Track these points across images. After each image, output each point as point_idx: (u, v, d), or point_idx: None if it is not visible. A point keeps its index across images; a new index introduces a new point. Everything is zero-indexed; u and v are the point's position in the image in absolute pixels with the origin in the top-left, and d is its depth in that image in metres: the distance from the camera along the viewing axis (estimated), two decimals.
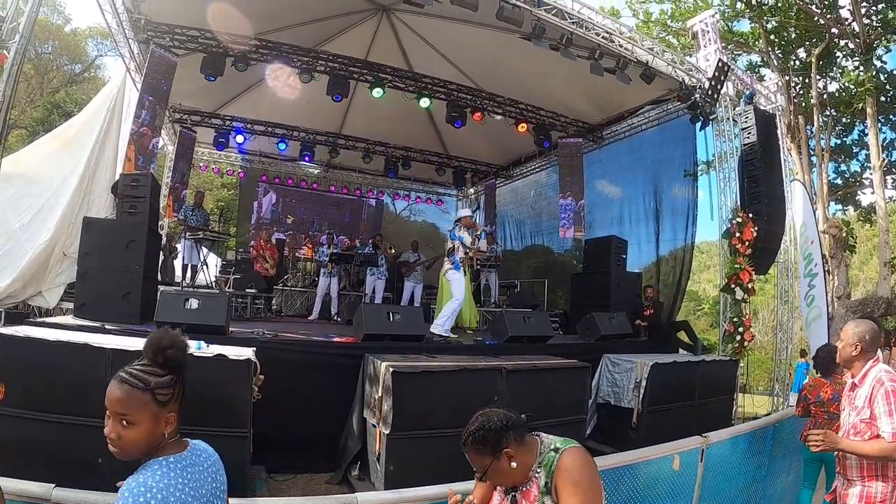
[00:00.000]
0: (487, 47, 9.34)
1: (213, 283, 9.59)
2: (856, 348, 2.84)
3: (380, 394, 4.26)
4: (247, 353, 4.06)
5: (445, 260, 7.35)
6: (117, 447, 1.39)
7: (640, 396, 5.94)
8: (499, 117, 10.48)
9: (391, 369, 4.16)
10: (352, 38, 9.82)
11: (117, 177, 8.03)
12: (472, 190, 16.12)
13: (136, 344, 4.00)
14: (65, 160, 7.61)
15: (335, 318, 9.83)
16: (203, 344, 4.19)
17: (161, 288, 6.97)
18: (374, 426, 4.38)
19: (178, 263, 10.10)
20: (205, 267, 9.17)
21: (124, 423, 1.38)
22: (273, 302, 10.77)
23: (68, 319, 5.39)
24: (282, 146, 12.32)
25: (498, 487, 2.00)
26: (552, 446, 1.88)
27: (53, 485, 2.20)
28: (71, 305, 7.61)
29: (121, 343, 3.92)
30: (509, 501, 1.94)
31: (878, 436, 2.59)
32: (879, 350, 3.06)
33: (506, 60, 9.55)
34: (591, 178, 11.47)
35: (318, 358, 5.35)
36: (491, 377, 4.58)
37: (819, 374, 4.41)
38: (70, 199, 7.19)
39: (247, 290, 9.36)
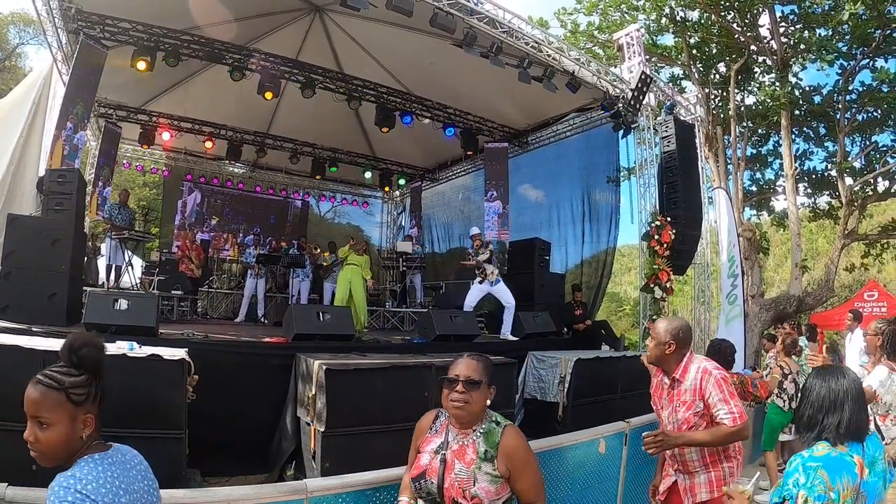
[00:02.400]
0: (418, 52, 9.43)
1: (138, 285, 9.29)
2: (669, 346, 2.81)
3: (313, 392, 4.29)
4: (180, 353, 4.00)
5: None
6: (36, 451, 1.39)
7: (565, 391, 6.16)
8: (427, 121, 10.61)
9: (324, 367, 4.19)
10: (283, 36, 9.73)
11: (41, 173, 7.72)
12: (397, 192, 16.15)
13: None
14: None
15: (262, 319, 9.73)
16: (135, 345, 4.12)
17: (86, 289, 6.73)
18: (309, 424, 4.41)
19: (101, 264, 9.72)
20: (130, 268, 8.88)
21: (41, 424, 1.38)
22: (199, 304, 10.53)
23: None
24: (208, 144, 12.03)
25: (426, 448, 2.13)
26: (493, 418, 2.07)
27: (6, 483, 2.19)
28: None
29: (51, 345, 3.76)
30: (439, 460, 2.04)
31: (717, 423, 2.64)
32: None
33: (436, 65, 9.67)
34: (516, 183, 11.72)
35: (250, 359, 5.35)
36: (421, 374, 4.66)
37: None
38: None
39: (173, 292, 9.14)
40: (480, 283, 7.97)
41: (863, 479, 1.86)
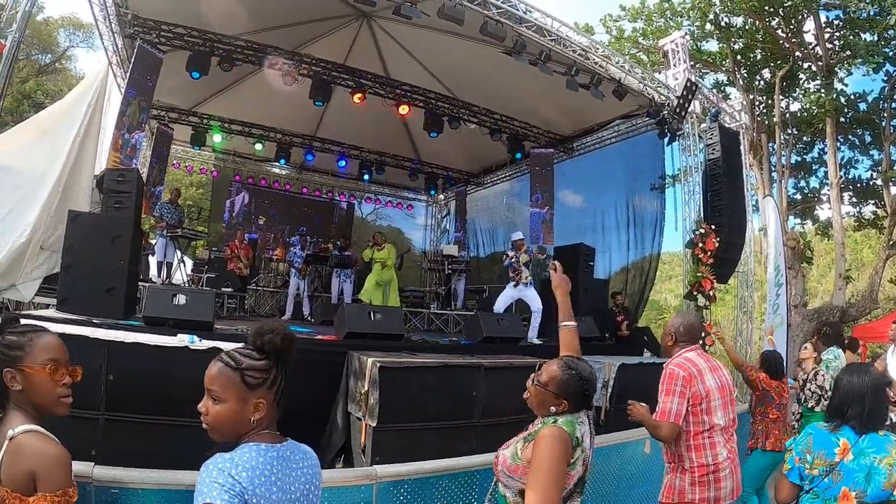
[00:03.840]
0: (464, 58, 9.57)
1: (189, 282, 9.62)
2: (671, 338, 3.15)
3: (366, 388, 4.41)
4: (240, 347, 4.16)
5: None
6: (206, 423, 1.44)
7: (608, 395, 6.21)
8: (473, 126, 10.74)
9: (378, 364, 4.31)
10: (332, 42, 9.96)
11: (97, 171, 8.07)
12: (441, 196, 16.35)
13: (129, 337, 4.11)
14: (42, 152, 7.56)
15: (308, 318, 9.94)
16: (196, 338, 4.29)
17: (141, 284, 7.04)
18: (360, 419, 4.52)
19: (151, 260, 10.09)
20: (182, 265, 9.20)
21: (213, 398, 1.43)
22: (246, 301, 10.83)
23: (52, 313, 5.40)
24: (259, 147, 12.38)
25: None
26: (556, 418, 2.13)
27: (93, 463, 2.32)
28: (44, 300, 7.62)
29: (113, 336, 3.99)
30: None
31: None
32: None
33: (481, 71, 9.79)
34: (560, 188, 11.79)
35: (303, 355, 5.40)
36: (470, 374, 4.78)
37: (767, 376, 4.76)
38: (49, 193, 7.17)
39: (223, 289, 9.43)
40: (515, 286, 8.11)
41: (841, 460, 2.26)
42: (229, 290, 9.55)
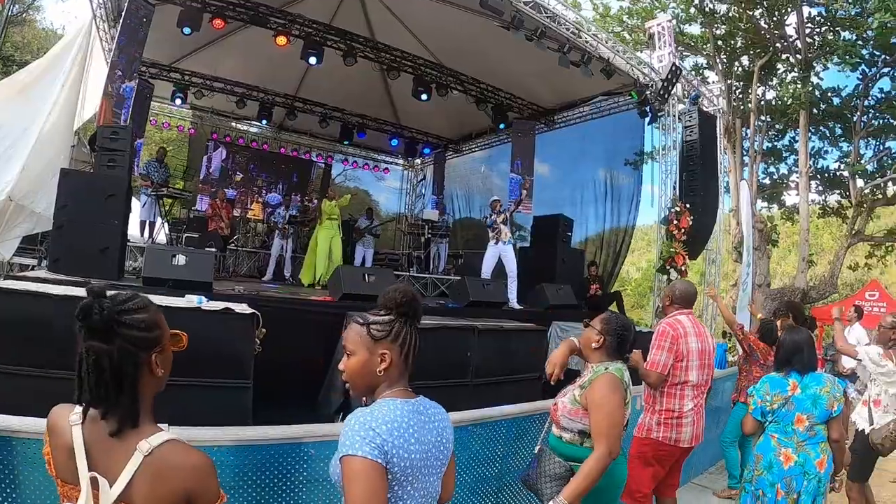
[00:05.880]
0: (453, 26, 9.58)
1: (174, 241, 9.59)
2: (668, 299, 3.68)
3: None
4: (246, 307, 4.21)
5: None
6: (345, 378, 1.55)
7: None
8: (457, 93, 10.82)
9: None
10: (318, 1, 9.75)
11: (76, 127, 7.93)
12: (418, 161, 16.39)
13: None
14: (22, 109, 7.33)
15: (290, 279, 10.00)
16: (203, 299, 4.35)
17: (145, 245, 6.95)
18: None
19: (133, 219, 9.97)
20: (165, 224, 9.15)
21: (348, 354, 1.54)
22: (226, 262, 10.83)
23: (46, 274, 5.28)
24: (240, 106, 12.25)
25: None
26: (607, 365, 2.52)
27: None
28: (22, 261, 7.52)
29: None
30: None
31: None
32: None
33: (469, 41, 9.82)
34: (541, 159, 11.93)
35: (299, 315, 5.57)
36: (465, 335, 4.99)
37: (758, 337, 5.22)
38: (30, 150, 6.96)
39: (206, 249, 9.43)
40: (495, 244, 8.41)
41: (793, 395, 3.14)
42: (213, 250, 9.56)
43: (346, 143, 14.13)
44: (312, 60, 9.27)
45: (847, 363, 8.76)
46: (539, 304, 8.03)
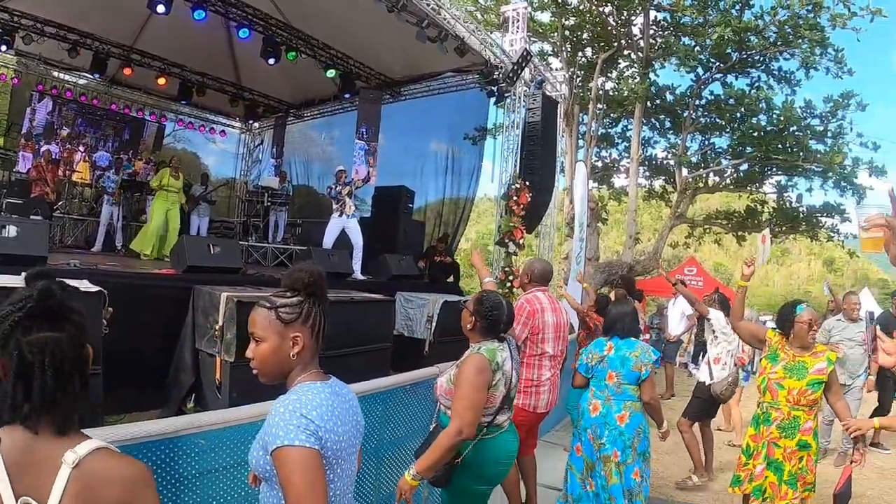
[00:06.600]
0: None
1: None
2: (527, 277, 4.01)
3: (220, 323, 4.36)
4: (88, 284, 3.84)
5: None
6: (254, 366, 1.49)
7: (432, 329, 6.79)
8: (305, 57, 10.52)
9: (235, 300, 4.30)
10: None
11: None
12: (257, 124, 15.77)
13: None
14: None
15: (121, 250, 9.27)
16: None
17: None
18: (213, 356, 4.46)
19: None
20: None
21: (256, 340, 1.48)
22: (52, 230, 9.75)
23: None
24: (72, 55, 10.96)
25: None
26: (483, 345, 2.58)
27: None
28: None
29: None
30: None
31: None
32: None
33: (324, 4, 9.51)
34: (385, 130, 11.84)
35: (141, 291, 5.18)
36: None
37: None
38: None
39: (32, 217, 8.43)
40: (339, 216, 8.36)
41: (607, 355, 3.64)
42: (39, 218, 8.54)
43: (183, 101, 13.20)
44: (160, 9, 8.45)
45: (673, 331, 10.03)
46: (382, 274, 8.18)
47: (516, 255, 9.51)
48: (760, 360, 3.60)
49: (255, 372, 1.48)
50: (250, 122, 15.50)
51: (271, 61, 9.97)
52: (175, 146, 15.55)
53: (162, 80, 12.20)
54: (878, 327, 1.89)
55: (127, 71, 11.85)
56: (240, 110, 14.34)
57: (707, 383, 5.08)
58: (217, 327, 4.41)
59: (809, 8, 11.62)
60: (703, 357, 5.55)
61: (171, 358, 5.04)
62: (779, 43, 12.48)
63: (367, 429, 2.79)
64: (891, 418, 3.34)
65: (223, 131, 15.51)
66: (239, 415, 2.23)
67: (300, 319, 1.47)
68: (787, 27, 12.11)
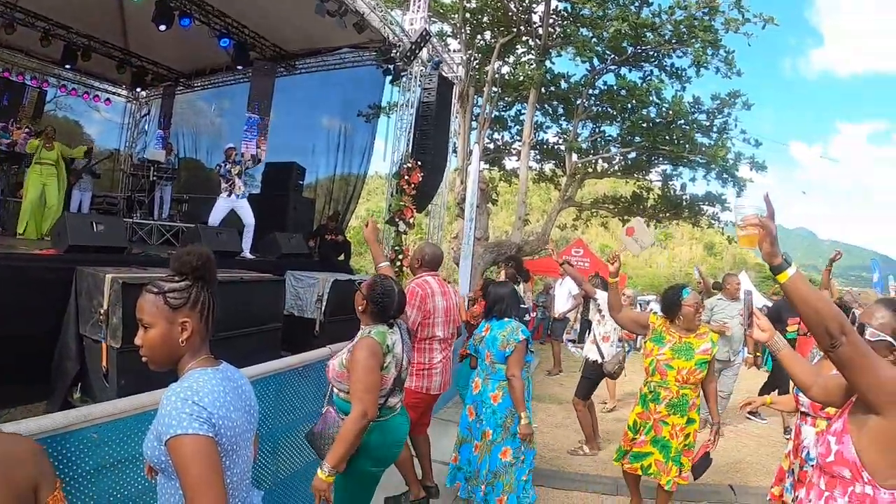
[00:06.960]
0: None
1: None
2: (418, 262, 4.05)
3: (105, 307, 4.17)
4: None
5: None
6: (143, 353, 1.45)
7: (322, 308, 6.83)
8: (198, 24, 10.05)
9: (120, 281, 4.11)
10: None
11: None
12: (144, 93, 14.97)
13: None
14: None
15: None
16: None
17: None
18: (99, 341, 4.27)
19: None
20: None
21: (144, 327, 1.44)
22: None
23: None
24: None
25: None
26: (373, 328, 2.66)
27: None
28: None
29: None
30: None
31: None
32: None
33: None
34: (277, 103, 11.72)
35: (20, 273, 4.87)
36: None
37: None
38: None
39: None
40: (228, 196, 8.18)
41: (485, 335, 3.83)
42: None
43: (67, 66, 12.30)
44: None
45: (559, 308, 10.63)
46: (272, 253, 8.13)
47: (406, 234, 9.74)
48: (644, 342, 3.85)
49: (144, 359, 1.47)
50: (137, 90, 14.66)
51: (162, 28, 9.39)
52: (56, 114, 14.37)
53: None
54: (754, 304, 2.20)
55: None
56: (127, 77, 13.58)
57: (599, 362, 5.50)
58: (102, 311, 4.23)
59: (706, 10, 12.41)
60: (589, 335, 6.02)
61: (55, 346, 4.80)
62: (673, 41, 13.22)
63: (261, 413, 2.88)
64: (782, 398, 3.66)
65: (108, 99, 14.54)
66: (133, 404, 2.16)
67: (189, 304, 1.46)
68: (682, 26, 12.85)
